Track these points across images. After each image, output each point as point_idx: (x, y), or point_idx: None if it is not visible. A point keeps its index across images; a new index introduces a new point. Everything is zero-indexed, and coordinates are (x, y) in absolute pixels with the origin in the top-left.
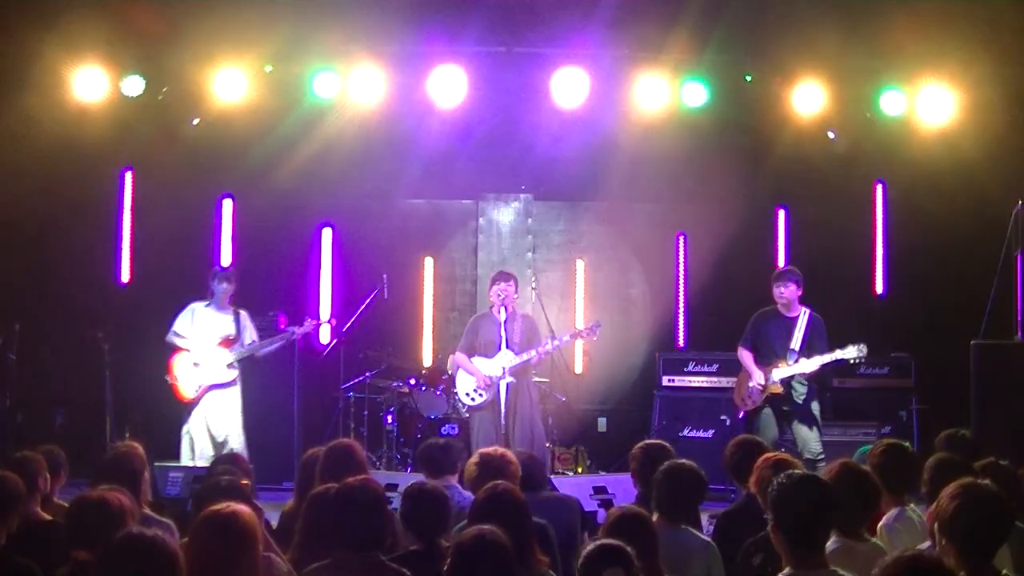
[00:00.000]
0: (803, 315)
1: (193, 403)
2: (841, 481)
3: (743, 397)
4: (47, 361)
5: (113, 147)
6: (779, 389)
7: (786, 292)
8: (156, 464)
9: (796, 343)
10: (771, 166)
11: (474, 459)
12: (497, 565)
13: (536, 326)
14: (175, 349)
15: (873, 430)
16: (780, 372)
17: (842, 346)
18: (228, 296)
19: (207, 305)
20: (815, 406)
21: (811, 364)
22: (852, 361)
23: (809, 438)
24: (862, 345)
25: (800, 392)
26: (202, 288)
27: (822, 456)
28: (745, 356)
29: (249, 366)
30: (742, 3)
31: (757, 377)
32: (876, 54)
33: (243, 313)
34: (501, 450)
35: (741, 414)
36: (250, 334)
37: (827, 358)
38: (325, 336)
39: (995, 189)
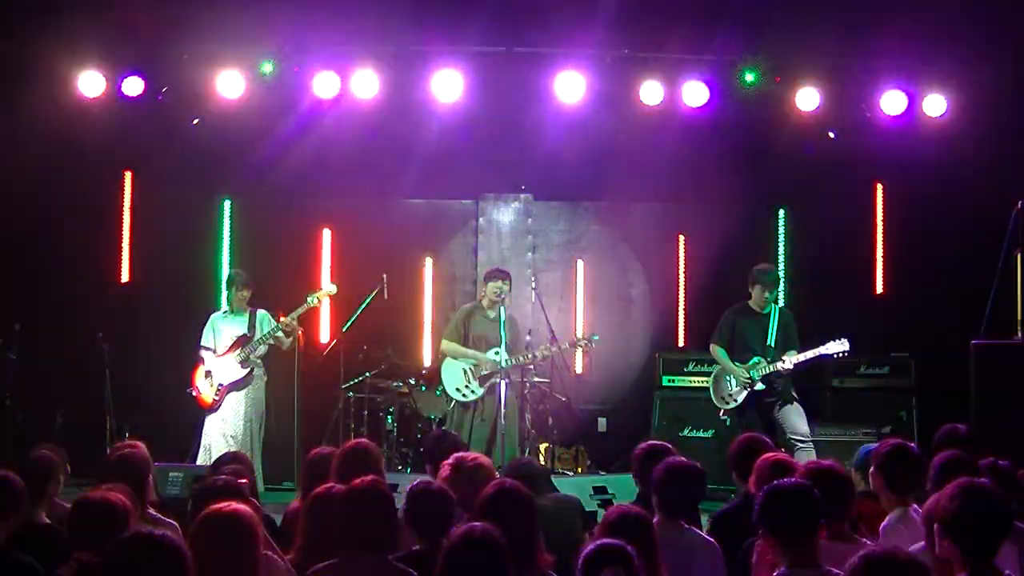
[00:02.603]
0: (774, 311)
1: (215, 407)
2: (811, 482)
3: (723, 396)
4: (47, 361)
5: (113, 147)
6: (761, 386)
7: (771, 297)
8: (156, 464)
9: (771, 339)
10: (771, 166)
11: (449, 462)
12: (489, 563)
13: (519, 328)
14: (196, 363)
15: (873, 430)
16: (760, 370)
17: (823, 342)
18: (245, 301)
19: (224, 314)
20: (793, 391)
21: (791, 360)
22: (835, 356)
23: (796, 422)
24: (843, 340)
25: (779, 382)
26: (203, 289)
27: (809, 439)
28: (721, 354)
29: None
30: (742, 3)
31: (740, 375)
32: (876, 54)
33: (260, 312)
34: (473, 454)
35: (721, 413)
36: (265, 328)
37: (809, 355)
38: (325, 335)
39: (995, 189)
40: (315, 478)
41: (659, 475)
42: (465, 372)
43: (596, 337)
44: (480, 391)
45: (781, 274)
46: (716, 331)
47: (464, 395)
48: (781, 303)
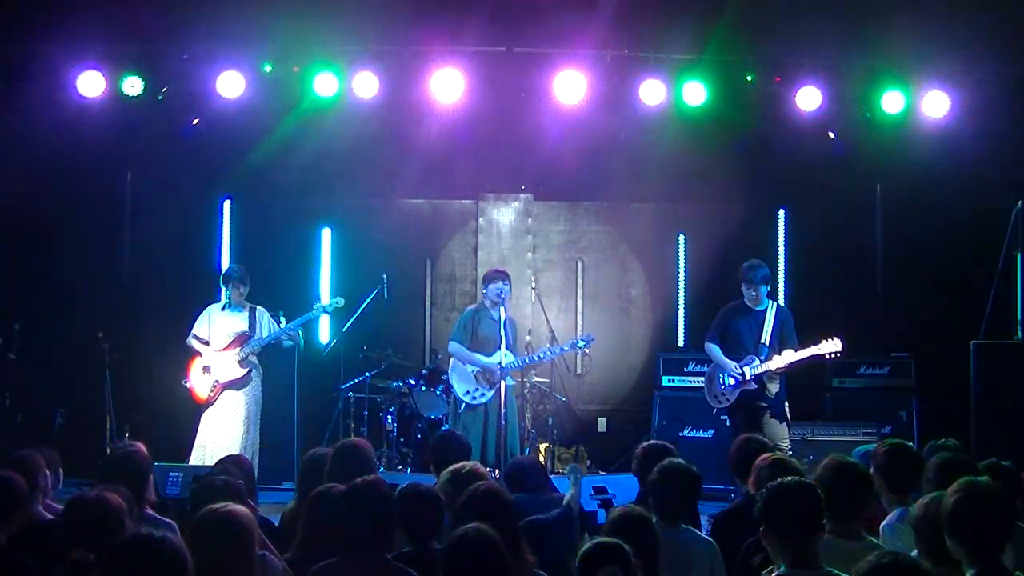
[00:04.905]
0: (771, 308)
1: (209, 403)
2: (833, 477)
3: (715, 395)
4: (47, 361)
5: (113, 147)
6: (752, 385)
7: (757, 296)
8: (156, 464)
9: (766, 337)
10: (771, 166)
11: (446, 474)
12: (487, 562)
13: (518, 330)
14: (193, 354)
15: (873, 430)
16: (753, 369)
17: (816, 341)
18: (244, 297)
19: (223, 307)
20: (786, 403)
21: (784, 359)
22: (828, 356)
23: (779, 435)
24: (836, 340)
25: (773, 388)
26: (203, 289)
27: (790, 452)
28: (715, 351)
29: None
30: (742, 3)
31: (733, 369)
32: (876, 54)
33: (260, 310)
34: (470, 464)
35: (713, 412)
36: (266, 329)
37: (801, 354)
38: (325, 336)
39: (994, 189)
40: (312, 478)
41: (655, 478)
42: (476, 376)
43: (585, 340)
44: (490, 394)
45: (768, 271)
46: (710, 329)
47: (474, 398)
48: (781, 302)
